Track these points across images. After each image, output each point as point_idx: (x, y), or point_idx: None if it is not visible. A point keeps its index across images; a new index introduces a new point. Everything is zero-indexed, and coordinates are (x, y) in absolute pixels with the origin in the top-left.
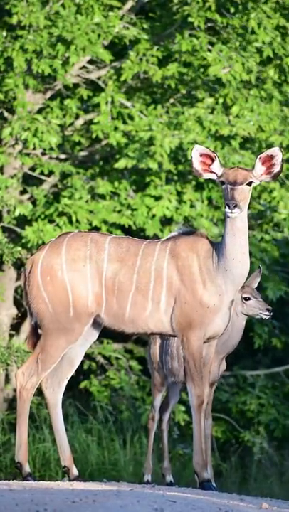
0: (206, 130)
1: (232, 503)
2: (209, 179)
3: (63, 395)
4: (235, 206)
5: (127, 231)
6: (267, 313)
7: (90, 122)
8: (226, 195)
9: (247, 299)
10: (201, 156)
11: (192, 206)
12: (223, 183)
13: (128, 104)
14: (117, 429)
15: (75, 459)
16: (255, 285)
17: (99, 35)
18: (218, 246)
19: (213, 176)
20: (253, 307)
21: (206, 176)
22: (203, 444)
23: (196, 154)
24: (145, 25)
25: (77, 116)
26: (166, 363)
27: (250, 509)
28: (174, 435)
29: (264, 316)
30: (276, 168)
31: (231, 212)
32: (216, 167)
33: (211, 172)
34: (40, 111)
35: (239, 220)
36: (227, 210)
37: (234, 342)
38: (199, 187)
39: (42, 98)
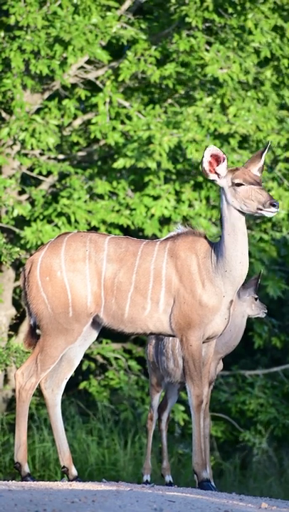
0: (205, 129)
1: (231, 503)
2: (208, 179)
3: (64, 395)
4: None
5: (126, 231)
6: (266, 311)
7: (88, 122)
8: (256, 196)
9: (256, 299)
10: (211, 156)
11: (190, 206)
12: (239, 184)
13: (126, 104)
14: (118, 429)
15: (75, 459)
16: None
17: (96, 36)
18: (216, 246)
19: (216, 177)
20: (258, 307)
21: (212, 176)
22: (202, 444)
23: (207, 154)
24: (143, 25)
25: (75, 117)
26: (162, 363)
27: (250, 509)
28: (176, 434)
29: (263, 315)
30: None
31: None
32: (223, 169)
33: (216, 173)
34: (38, 111)
35: (241, 220)
36: (273, 209)
37: (236, 342)
38: (198, 186)
39: (40, 98)
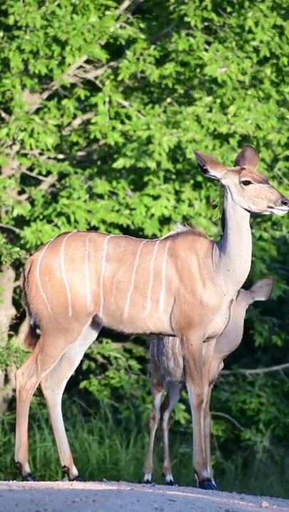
0: (205, 128)
1: (232, 502)
2: (208, 178)
3: (65, 395)
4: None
5: (126, 231)
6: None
7: (88, 122)
8: (265, 195)
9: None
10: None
11: (190, 205)
12: (248, 182)
13: (126, 103)
14: (119, 429)
15: (76, 458)
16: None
17: (94, 35)
18: (219, 245)
19: (218, 175)
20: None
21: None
22: (202, 443)
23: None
24: (142, 25)
25: (74, 116)
26: (162, 362)
27: (250, 508)
28: (183, 429)
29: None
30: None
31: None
32: (215, 172)
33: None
34: (37, 111)
35: (246, 219)
36: (284, 208)
37: (238, 342)
38: (197, 186)
39: (39, 98)
